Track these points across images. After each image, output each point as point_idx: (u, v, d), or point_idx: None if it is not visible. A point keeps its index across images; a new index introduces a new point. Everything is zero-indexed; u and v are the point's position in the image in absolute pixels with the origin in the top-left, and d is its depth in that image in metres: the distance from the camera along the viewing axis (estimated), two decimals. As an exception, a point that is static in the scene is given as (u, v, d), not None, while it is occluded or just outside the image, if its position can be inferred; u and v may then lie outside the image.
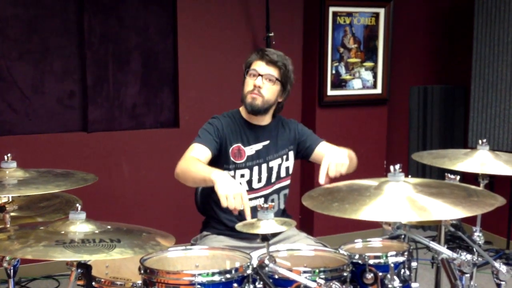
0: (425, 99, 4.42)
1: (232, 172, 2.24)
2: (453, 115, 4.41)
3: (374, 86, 4.17)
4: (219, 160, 2.23)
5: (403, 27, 4.30)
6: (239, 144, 2.25)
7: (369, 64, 4.13)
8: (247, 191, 2.18)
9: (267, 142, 2.29)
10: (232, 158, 2.23)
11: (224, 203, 1.85)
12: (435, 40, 4.52)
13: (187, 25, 3.77)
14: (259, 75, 2.20)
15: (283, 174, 2.32)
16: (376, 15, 4.09)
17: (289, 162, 2.34)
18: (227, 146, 2.23)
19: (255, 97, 2.20)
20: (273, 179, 2.30)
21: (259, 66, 2.22)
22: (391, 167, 1.55)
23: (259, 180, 2.27)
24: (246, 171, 2.25)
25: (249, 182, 2.25)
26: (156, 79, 3.83)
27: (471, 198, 1.51)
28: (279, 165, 2.30)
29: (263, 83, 2.20)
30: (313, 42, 4.02)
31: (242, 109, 2.32)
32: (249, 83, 2.22)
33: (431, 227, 4.27)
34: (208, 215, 2.35)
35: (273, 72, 2.22)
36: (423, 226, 4.39)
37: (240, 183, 2.18)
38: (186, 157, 2.15)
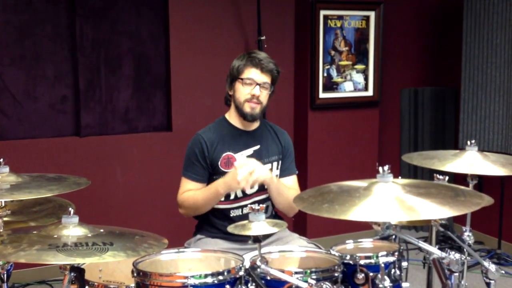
0: (416, 101, 4.46)
1: None
2: (443, 116, 4.45)
3: (366, 88, 4.20)
4: (210, 176, 2.27)
5: (393, 30, 4.34)
6: (229, 153, 2.26)
7: (360, 66, 4.16)
8: (241, 197, 2.26)
9: (257, 147, 2.30)
10: (222, 169, 2.25)
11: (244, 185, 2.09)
12: (425, 43, 4.57)
13: (179, 29, 3.79)
14: (257, 84, 2.22)
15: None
16: (367, 18, 4.12)
17: (277, 171, 2.35)
18: (216, 160, 2.25)
19: (254, 107, 2.23)
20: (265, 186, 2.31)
21: (255, 74, 2.22)
22: (380, 168, 1.56)
23: (252, 186, 2.28)
24: None
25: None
26: (149, 83, 3.84)
27: (458, 197, 1.53)
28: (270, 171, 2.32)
29: (260, 91, 2.22)
30: (304, 45, 4.05)
31: (229, 115, 2.33)
32: (245, 92, 2.22)
33: (423, 228, 4.30)
34: (200, 219, 2.36)
35: (268, 79, 2.24)
36: (415, 227, 4.42)
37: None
38: (185, 197, 2.25)
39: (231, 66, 2.28)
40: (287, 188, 2.30)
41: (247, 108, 2.23)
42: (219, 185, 2.16)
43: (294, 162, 2.43)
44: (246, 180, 2.08)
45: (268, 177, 2.18)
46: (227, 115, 2.34)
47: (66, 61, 3.63)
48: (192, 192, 2.25)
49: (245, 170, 2.08)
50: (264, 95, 2.24)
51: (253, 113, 2.24)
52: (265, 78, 2.23)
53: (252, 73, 2.22)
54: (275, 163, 2.34)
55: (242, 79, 2.23)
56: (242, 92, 2.23)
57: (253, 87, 2.21)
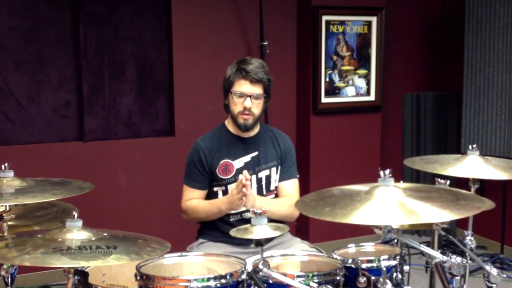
0: (418, 105, 4.46)
1: (223, 188, 2.28)
2: (446, 121, 4.45)
3: (368, 93, 4.21)
4: (210, 183, 2.29)
5: (395, 35, 4.35)
6: (227, 160, 2.27)
7: (362, 71, 4.18)
8: None
9: (255, 153, 2.31)
10: (220, 176, 2.27)
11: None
12: (427, 48, 4.58)
13: (182, 34, 3.81)
14: (247, 96, 2.22)
15: (273, 186, 2.34)
16: (369, 23, 4.14)
17: (277, 175, 2.35)
18: (214, 167, 2.27)
19: (247, 118, 2.24)
20: (264, 190, 2.32)
21: (244, 87, 2.22)
22: (381, 172, 1.57)
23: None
24: None
25: None
26: (152, 88, 3.86)
27: (459, 201, 1.54)
28: (268, 177, 2.32)
29: (252, 102, 2.23)
30: (306, 50, 4.06)
31: (228, 122, 2.35)
32: (238, 104, 2.24)
33: (426, 233, 4.30)
34: (202, 223, 2.37)
35: (259, 90, 2.24)
36: (418, 232, 4.42)
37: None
38: (188, 206, 2.29)
39: (225, 75, 2.30)
40: (276, 204, 2.28)
41: (240, 120, 2.25)
42: (223, 204, 2.20)
43: (295, 166, 2.41)
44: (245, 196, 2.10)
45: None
46: (226, 122, 2.36)
47: (70, 66, 3.65)
48: (195, 203, 2.27)
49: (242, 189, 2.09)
50: (255, 105, 2.24)
51: (246, 124, 2.25)
52: (255, 89, 2.23)
53: (242, 86, 2.22)
54: (273, 169, 2.34)
55: (233, 92, 2.24)
56: (234, 104, 2.25)
57: (244, 99, 2.22)
